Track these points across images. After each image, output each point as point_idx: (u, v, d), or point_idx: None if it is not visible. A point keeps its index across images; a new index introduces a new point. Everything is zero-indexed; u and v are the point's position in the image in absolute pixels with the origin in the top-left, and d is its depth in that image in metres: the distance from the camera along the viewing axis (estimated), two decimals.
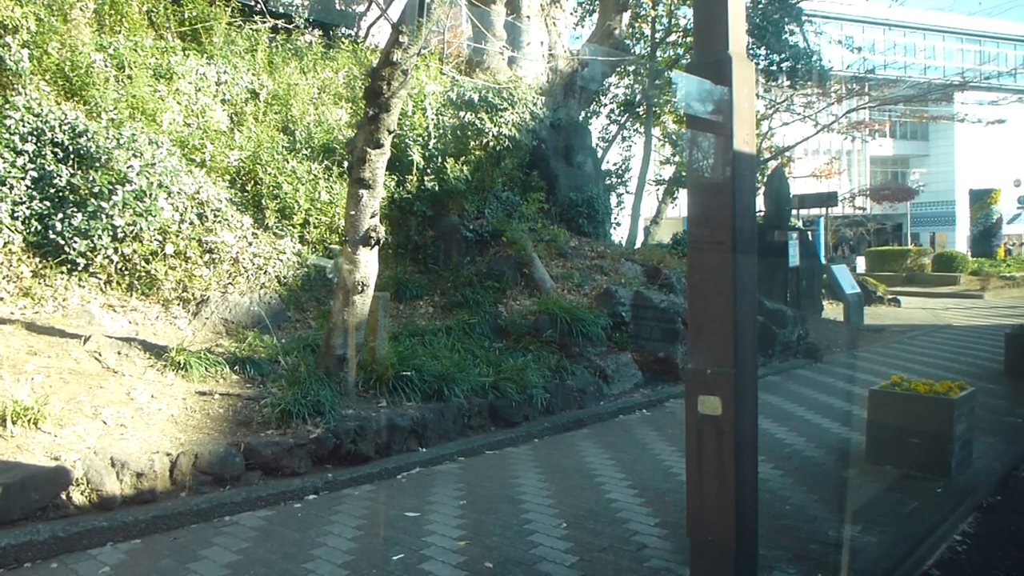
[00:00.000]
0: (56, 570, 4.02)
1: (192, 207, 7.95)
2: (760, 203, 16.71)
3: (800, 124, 22.69)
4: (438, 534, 4.55)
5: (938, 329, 15.78)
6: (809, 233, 19.64)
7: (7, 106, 7.33)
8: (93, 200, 7.24)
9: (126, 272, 7.52)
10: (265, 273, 8.36)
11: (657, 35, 19.46)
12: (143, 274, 7.55)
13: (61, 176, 7.28)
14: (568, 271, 10.74)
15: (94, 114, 8.21)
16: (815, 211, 25.16)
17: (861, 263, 31.65)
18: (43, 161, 7.29)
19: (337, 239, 9.09)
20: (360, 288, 6.51)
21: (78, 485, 4.60)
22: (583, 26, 20.81)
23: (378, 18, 15.00)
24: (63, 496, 4.52)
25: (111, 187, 7.31)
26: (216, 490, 5.09)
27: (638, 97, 20.02)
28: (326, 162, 9.90)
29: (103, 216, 7.20)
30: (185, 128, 9.16)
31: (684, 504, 3.68)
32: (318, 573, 4.00)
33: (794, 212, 18.90)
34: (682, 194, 21.59)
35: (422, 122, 10.86)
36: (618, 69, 18.47)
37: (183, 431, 5.50)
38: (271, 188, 9.01)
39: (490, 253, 10.45)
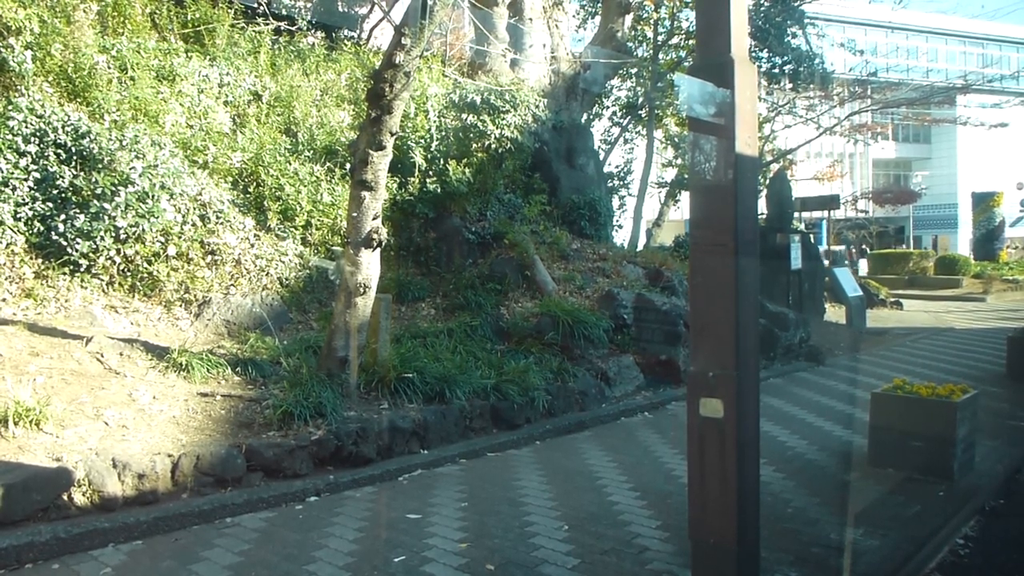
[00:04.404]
0: (58, 571, 4.02)
1: (194, 208, 7.96)
2: (762, 206, 16.71)
3: (802, 127, 22.71)
4: (440, 536, 4.54)
5: (940, 332, 15.76)
6: (811, 236, 19.62)
7: (10, 107, 7.35)
8: (96, 201, 7.24)
9: (128, 273, 7.52)
10: (267, 275, 8.37)
11: (659, 38, 19.48)
12: (145, 275, 7.56)
13: (64, 177, 7.29)
14: (570, 273, 10.74)
15: (97, 115, 8.22)
16: (817, 214, 25.13)
17: (863, 266, 31.63)
18: (46, 162, 7.30)
19: (339, 241, 9.10)
20: (362, 290, 6.51)
21: (80, 486, 4.60)
22: (585, 28, 20.86)
23: (380, 20, 15.07)
24: (65, 497, 4.52)
25: (114, 188, 7.32)
26: (218, 491, 5.09)
27: (640, 99, 20.05)
28: (328, 164, 9.91)
29: (105, 217, 7.21)
30: (188, 130, 9.17)
31: (686, 506, 3.67)
32: (320, 575, 4.00)
33: (796, 215, 18.87)
34: (684, 196, 21.57)
35: (424, 124, 10.87)
36: (620, 71, 18.49)
37: (185, 432, 5.50)
38: (273, 190, 9.02)
39: (492, 255, 10.46)
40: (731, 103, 3.40)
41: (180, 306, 7.70)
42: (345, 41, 13.16)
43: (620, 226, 18.19)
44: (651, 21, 19.51)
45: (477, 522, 4.79)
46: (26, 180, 7.15)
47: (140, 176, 7.50)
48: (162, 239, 7.60)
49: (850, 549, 4.36)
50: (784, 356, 11.33)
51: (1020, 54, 50.19)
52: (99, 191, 7.27)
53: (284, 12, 12.74)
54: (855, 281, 17.32)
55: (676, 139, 21.13)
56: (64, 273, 7.19)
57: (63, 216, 7.18)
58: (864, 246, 35.41)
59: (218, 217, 8.15)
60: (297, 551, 4.30)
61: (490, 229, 10.70)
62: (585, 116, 16.58)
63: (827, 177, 30.50)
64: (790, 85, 18.45)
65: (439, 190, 10.43)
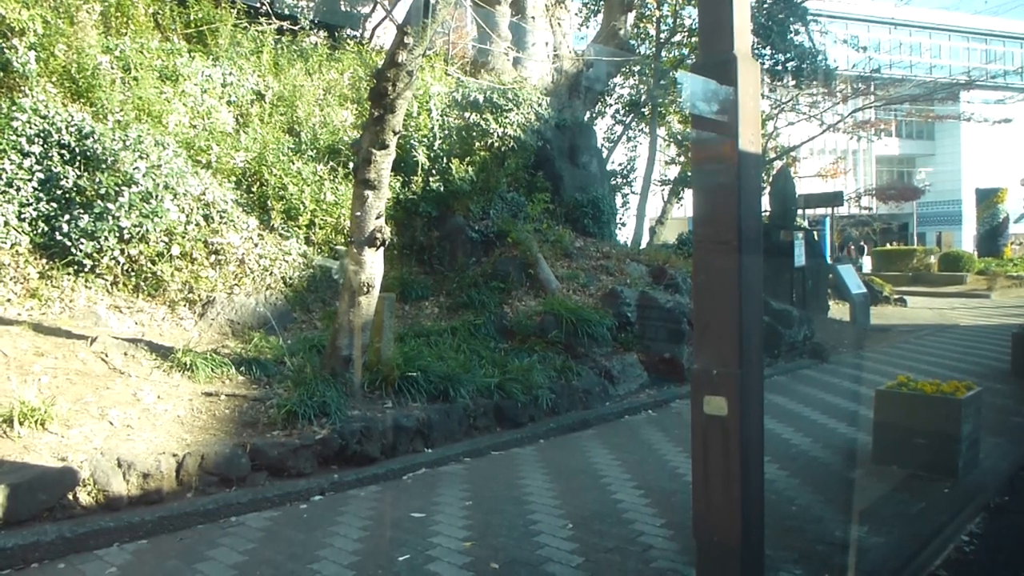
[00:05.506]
0: (63, 570, 4.03)
1: (198, 208, 7.97)
2: (766, 203, 16.69)
3: (805, 124, 22.68)
4: (444, 535, 4.55)
5: (944, 329, 15.73)
6: (815, 233, 19.59)
7: (14, 108, 7.36)
8: (99, 201, 7.26)
9: (132, 273, 7.54)
10: (271, 274, 8.38)
11: (662, 35, 19.46)
12: (149, 275, 7.57)
13: (68, 178, 7.31)
14: (573, 271, 10.73)
15: (100, 116, 8.23)
16: (821, 211, 25.13)
17: (867, 263, 31.58)
18: (50, 163, 7.31)
19: (343, 240, 9.10)
20: (366, 289, 6.52)
21: (85, 486, 4.61)
22: (588, 27, 20.85)
23: (383, 19, 15.08)
24: (70, 497, 4.54)
25: (117, 188, 7.33)
26: (222, 491, 5.10)
27: (643, 97, 20.03)
28: (331, 163, 9.92)
29: (109, 217, 7.22)
30: (191, 129, 9.18)
31: (690, 505, 3.67)
32: (324, 574, 4.00)
33: (800, 212, 18.86)
34: (687, 194, 21.58)
35: (427, 123, 10.88)
36: (623, 69, 18.48)
37: (189, 432, 5.51)
38: (277, 189, 9.03)
39: (495, 254, 10.45)
40: (734, 100, 3.39)
41: (184, 306, 7.71)
42: (348, 40, 13.17)
43: (623, 224, 18.21)
44: (653, 19, 19.50)
45: (481, 521, 4.79)
46: (30, 181, 7.17)
47: (144, 176, 7.51)
48: (166, 239, 7.61)
49: (854, 546, 4.36)
50: (788, 353, 11.32)
51: (1023, 50, 50.01)
52: (103, 191, 7.29)
53: (287, 12, 12.75)
54: (859, 278, 17.30)
55: (679, 137, 21.11)
56: (68, 273, 7.20)
57: (67, 216, 7.19)
58: (863, 243, 35.30)
59: (222, 217, 8.16)
60: (302, 550, 4.31)
61: (493, 228, 10.70)
62: (588, 114, 16.57)
63: (830, 174, 30.52)
64: (793, 82, 18.43)
65: (442, 189, 10.43)
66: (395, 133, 6.44)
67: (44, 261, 7.18)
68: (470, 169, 10.67)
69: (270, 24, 11.17)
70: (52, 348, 6.17)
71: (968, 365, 10.75)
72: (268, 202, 8.96)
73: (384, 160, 6.45)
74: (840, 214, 33.48)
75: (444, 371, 6.97)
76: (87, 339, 6.43)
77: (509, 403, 7.16)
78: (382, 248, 6.62)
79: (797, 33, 17.20)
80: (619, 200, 18.65)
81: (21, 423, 4.96)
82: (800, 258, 14.99)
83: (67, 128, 7.50)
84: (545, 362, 8.15)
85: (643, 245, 17.11)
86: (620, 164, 20.66)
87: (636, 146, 21.98)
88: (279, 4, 12.41)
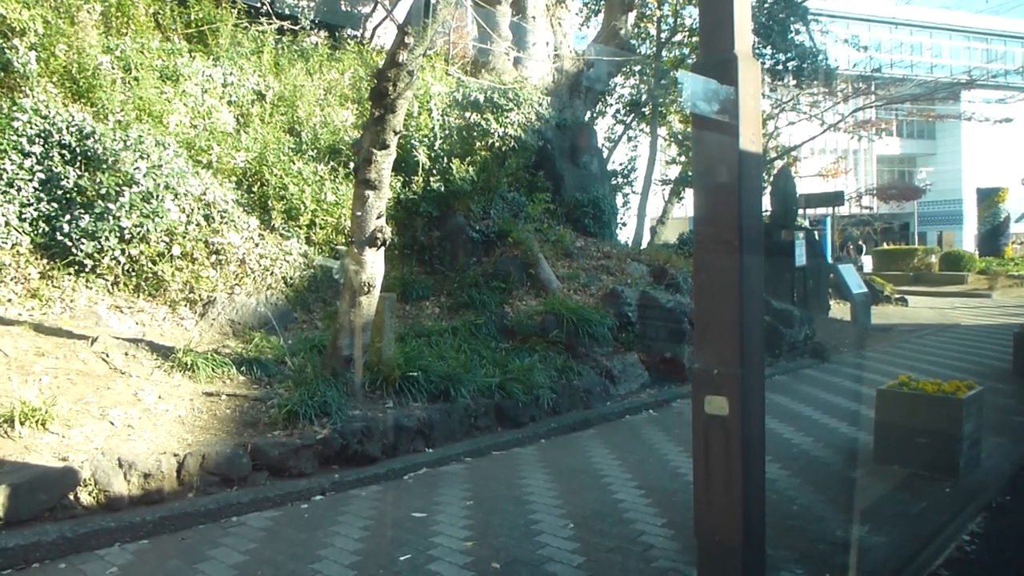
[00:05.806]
0: (64, 570, 4.03)
1: (199, 208, 7.97)
2: (766, 203, 16.69)
3: (806, 123, 22.66)
4: (445, 535, 4.55)
5: (946, 328, 15.72)
6: (816, 233, 19.59)
7: (15, 108, 7.36)
8: (100, 202, 7.26)
9: (133, 273, 7.54)
10: (271, 274, 8.38)
11: (663, 35, 19.47)
12: (150, 275, 7.57)
13: (68, 178, 7.31)
14: (574, 271, 10.73)
15: (101, 116, 8.23)
16: (822, 210, 25.12)
17: (868, 262, 31.54)
18: (50, 163, 7.32)
19: (343, 240, 9.10)
20: (366, 289, 6.52)
21: (86, 486, 4.61)
22: (588, 26, 20.85)
23: (384, 19, 15.06)
24: (71, 497, 4.54)
25: (118, 189, 7.33)
26: (223, 491, 5.10)
27: (644, 97, 20.03)
28: (332, 163, 9.92)
29: (110, 218, 7.22)
30: (192, 129, 9.18)
31: (691, 504, 3.67)
32: (325, 574, 4.00)
33: (800, 211, 18.85)
34: (688, 194, 21.58)
35: (428, 123, 10.88)
36: (624, 69, 18.48)
37: (190, 432, 5.51)
38: (277, 189, 9.03)
39: (496, 254, 10.45)
40: (735, 100, 3.39)
41: (185, 306, 7.71)
42: (348, 40, 13.17)
43: (624, 224, 18.19)
44: (654, 18, 19.51)
45: (482, 520, 4.79)
46: (31, 181, 7.17)
47: (144, 176, 7.51)
48: (167, 239, 7.61)
49: (856, 546, 4.35)
50: (789, 353, 11.31)
51: None
52: (103, 191, 7.29)
53: (287, 11, 12.74)
54: (860, 278, 17.30)
55: (680, 136, 21.11)
56: (69, 273, 7.21)
57: (68, 216, 7.19)
58: (861, 242, 35.24)
59: (222, 217, 8.16)
60: (303, 550, 4.31)
61: (494, 227, 10.70)
62: (588, 114, 16.57)
63: (831, 173, 30.52)
64: (794, 82, 18.43)
65: (443, 189, 10.43)
66: (396, 133, 6.44)
67: (45, 261, 7.18)
68: (471, 169, 10.66)
69: (271, 24, 11.17)
70: (53, 348, 6.17)
71: (969, 365, 10.74)
72: (269, 202, 8.96)
73: (385, 160, 6.45)
74: (841, 214, 33.47)
75: (445, 371, 6.97)
76: (88, 339, 6.44)
77: (510, 403, 7.15)
78: (383, 248, 6.62)
79: (798, 33, 17.19)
80: (620, 200, 18.62)
81: (22, 423, 4.96)
82: (801, 258, 14.99)
83: (68, 128, 7.50)
84: (546, 362, 8.15)
85: (644, 245, 17.11)
86: (621, 164, 20.64)
87: (637, 146, 21.99)
88: (279, 4, 12.41)
